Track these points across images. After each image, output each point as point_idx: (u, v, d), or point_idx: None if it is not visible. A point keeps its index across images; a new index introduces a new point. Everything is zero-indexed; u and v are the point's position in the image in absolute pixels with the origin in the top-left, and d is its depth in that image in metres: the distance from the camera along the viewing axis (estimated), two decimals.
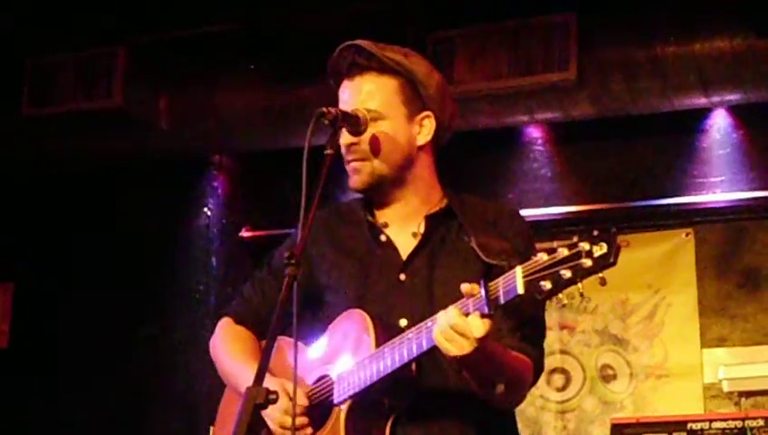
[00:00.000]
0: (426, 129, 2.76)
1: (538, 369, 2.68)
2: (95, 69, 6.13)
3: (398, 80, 2.73)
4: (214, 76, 6.25)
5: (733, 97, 5.76)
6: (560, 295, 2.23)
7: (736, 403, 5.67)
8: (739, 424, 4.57)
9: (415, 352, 2.46)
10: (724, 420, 4.65)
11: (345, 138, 2.70)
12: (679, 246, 6.11)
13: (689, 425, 4.66)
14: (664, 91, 5.66)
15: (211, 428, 3.01)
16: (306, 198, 2.45)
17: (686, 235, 6.12)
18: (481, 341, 2.35)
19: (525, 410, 6.11)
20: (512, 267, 2.29)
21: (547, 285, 2.21)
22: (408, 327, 2.58)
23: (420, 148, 2.77)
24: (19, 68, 6.24)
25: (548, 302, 2.30)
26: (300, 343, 2.35)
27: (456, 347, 2.36)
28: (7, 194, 6.98)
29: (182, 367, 6.47)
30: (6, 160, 6.67)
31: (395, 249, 2.75)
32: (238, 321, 2.95)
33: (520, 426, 6.33)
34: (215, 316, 3.10)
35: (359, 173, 2.73)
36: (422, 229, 2.74)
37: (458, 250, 2.71)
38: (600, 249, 2.17)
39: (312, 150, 2.49)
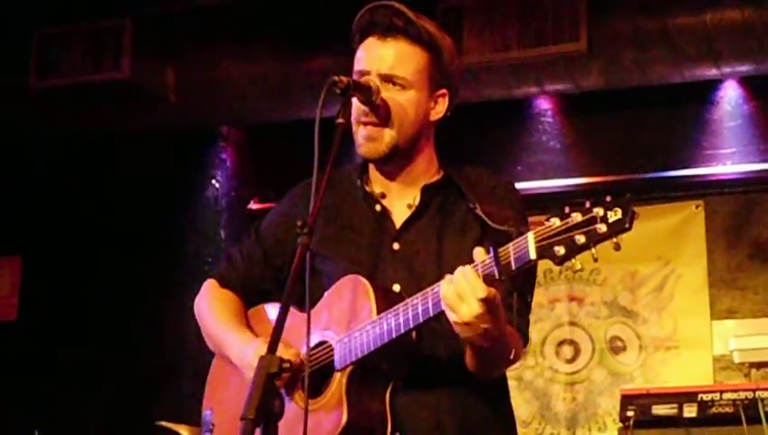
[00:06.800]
0: (440, 106, 2.75)
1: (526, 342, 2.66)
2: (103, 41, 6.11)
3: (429, 53, 2.70)
4: (221, 48, 6.22)
5: (743, 68, 5.73)
6: (573, 261, 2.21)
7: (746, 374, 5.67)
8: (750, 395, 4.54)
9: (421, 318, 2.43)
10: (735, 391, 4.63)
11: (363, 102, 2.65)
12: (689, 218, 6.10)
13: (700, 396, 4.64)
14: (674, 63, 5.62)
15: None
16: (318, 167, 2.44)
17: (697, 207, 6.11)
18: (486, 302, 2.31)
19: (534, 382, 6.12)
20: (521, 233, 2.27)
21: (561, 250, 2.21)
22: (402, 292, 2.59)
23: (430, 123, 2.76)
24: (26, 40, 6.22)
25: (560, 268, 2.28)
26: (292, 309, 2.33)
27: (464, 310, 2.32)
28: (15, 166, 6.98)
29: (192, 337, 6.45)
30: (14, 133, 6.67)
31: (389, 219, 2.74)
32: (224, 284, 2.95)
33: (529, 397, 6.34)
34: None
35: (374, 141, 2.68)
36: (417, 201, 2.73)
37: (455, 219, 2.70)
38: (614, 214, 2.17)
39: (322, 121, 2.47)
